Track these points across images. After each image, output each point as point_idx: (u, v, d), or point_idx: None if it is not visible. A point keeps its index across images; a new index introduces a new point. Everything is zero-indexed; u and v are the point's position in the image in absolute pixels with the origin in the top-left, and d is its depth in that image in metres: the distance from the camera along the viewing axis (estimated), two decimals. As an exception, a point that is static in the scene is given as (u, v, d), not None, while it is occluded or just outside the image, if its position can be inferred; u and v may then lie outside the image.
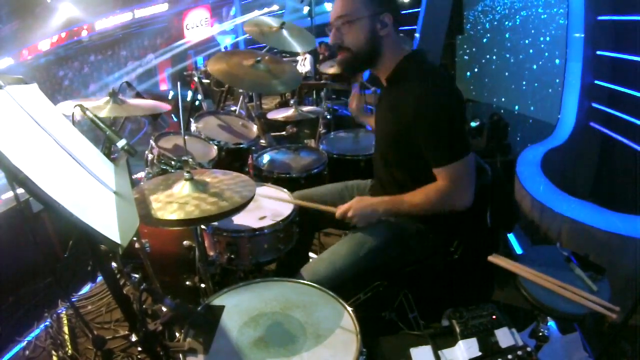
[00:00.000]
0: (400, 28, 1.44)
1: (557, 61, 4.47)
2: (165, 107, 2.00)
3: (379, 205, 1.45)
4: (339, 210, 1.47)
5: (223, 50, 10.42)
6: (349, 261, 1.43)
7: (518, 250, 2.67)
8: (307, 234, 1.80)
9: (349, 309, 1.13)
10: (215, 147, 2.09)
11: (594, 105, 3.87)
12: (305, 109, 2.85)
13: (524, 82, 5.19)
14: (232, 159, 2.19)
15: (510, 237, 2.74)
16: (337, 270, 1.40)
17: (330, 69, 3.08)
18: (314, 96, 4.60)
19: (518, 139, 4.77)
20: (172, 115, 4.81)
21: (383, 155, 1.54)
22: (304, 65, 6.00)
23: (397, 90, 1.40)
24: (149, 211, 1.10)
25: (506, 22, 5.60)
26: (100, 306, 2.12)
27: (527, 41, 5.12)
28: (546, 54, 4.74)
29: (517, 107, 5.30)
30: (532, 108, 5.00)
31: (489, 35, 6.02)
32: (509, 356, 1.07)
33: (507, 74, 5.62)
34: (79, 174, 0.90)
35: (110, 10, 12.53)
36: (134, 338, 1.00)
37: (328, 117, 2.89)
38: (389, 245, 1.48)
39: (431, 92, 1.30)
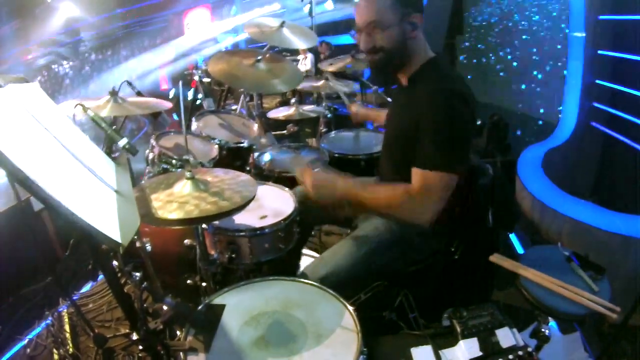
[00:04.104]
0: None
1: (557, 61, 4.46)
2: (166, 104, 2.00)
3: (338, 180, 1.35)
4: (298, 171, 1.42)
5: (223, 49, 10.41)
6: (350, 261, 1.43)
7: (519, 250, 2.67)
8: (305, 231, 1.79)
9: (350, 308, 1.13)
10: (216, 146, 2.09)
11: (595, 104, 3.86)
12: (306, 107, 2.84)
13: (524, 82, 5.18)
14: (233, 157, 2.19)
15: (511, 237, 2.74)
16: (338, 269, 1.40)
17: (330, 66, 3.08)
18: (315, 95, 4.59)
19: (518, 139, 4.76)
20: (173, 114, 4.82)
21: (391, 154, 1.52)
22: (305, 64, 6.01)
23: (417, 90, 1.35)
24: (149, 210, 1.10)
25: (507, 22, 5.59)
26: (101, 305, 2.12)
27: (527, 41, 5.11)
28: (547, 53, 4.73)
29: (517, 107, 5.29)
30: (532, 108, 4.99)
31: (489, 34, 6.01)
32: (510, 356, 1.07)
33: (507, 73, 5.62)
34: (80, 173, 0.90)
35: (111, 10, 12.53)
36: (134, 337, 1.00)
37: (329, 116, 2.88)
38: (390, 247, 1.48)
39: (448, 96, 1.26)
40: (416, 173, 1.27)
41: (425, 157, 1.25)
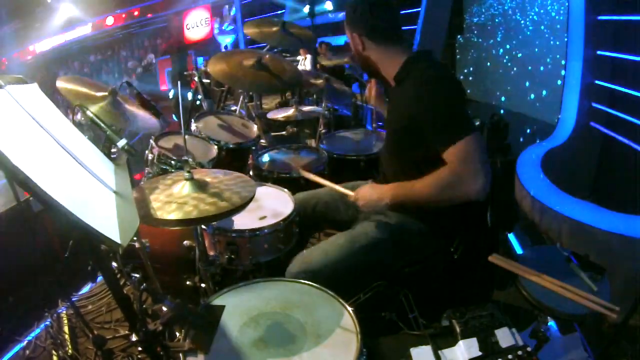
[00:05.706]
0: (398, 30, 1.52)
1: (557, 61, 4.46)
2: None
3: (387, 191, 1.43)
4: (353, 195, 1.49)
5: (223, 50, 10.42)
6: (343, 252, 1.43)
7: (518, 250, 2.66)
8: (305, 233, 1.79)
9: (349, 308, 1.13)
10: (216, 146, 2.09)
11: (594, 105, 3.86)
12: (306, 108, 2.85)
13: (524, 82, 5.19)
14: (232, 158, 2.19)
15: (511, 237, 2.74)
16: (330, 259, 1.40)
17: (328, 62, 3.10)
18: (314, 96, 4.59)
19: (518, 139, 4.76)
20: (173, 115, 4.82)
21: (394, 153, 1.57)
22: (305, 65, 6.00)
23: (402, 88, 1.48)
24: (148, 211, 1.10)
25: (506, 22, 5.60)
26: (100, 306, 2.12)
27: (527, 41, 5.12)
28: (546, 53, 4.73)
29: (517, 107, 5.30)
30: (532, 108, 4.99)
31: (489, 35, 6.01)
32: (509, 356, 1.07)
33: (507, 73, 5.62)
34: (79, 174, 0.90)
35: (111, 10, 12.53)
36: (134, 338, 0.99)
37: (328, 116, 2.89)
38: (386, 243, 1.48)
39: (429, 82, 1.38)
40: (446, 154, 1.33)
41: (443, 136, 1.33)
